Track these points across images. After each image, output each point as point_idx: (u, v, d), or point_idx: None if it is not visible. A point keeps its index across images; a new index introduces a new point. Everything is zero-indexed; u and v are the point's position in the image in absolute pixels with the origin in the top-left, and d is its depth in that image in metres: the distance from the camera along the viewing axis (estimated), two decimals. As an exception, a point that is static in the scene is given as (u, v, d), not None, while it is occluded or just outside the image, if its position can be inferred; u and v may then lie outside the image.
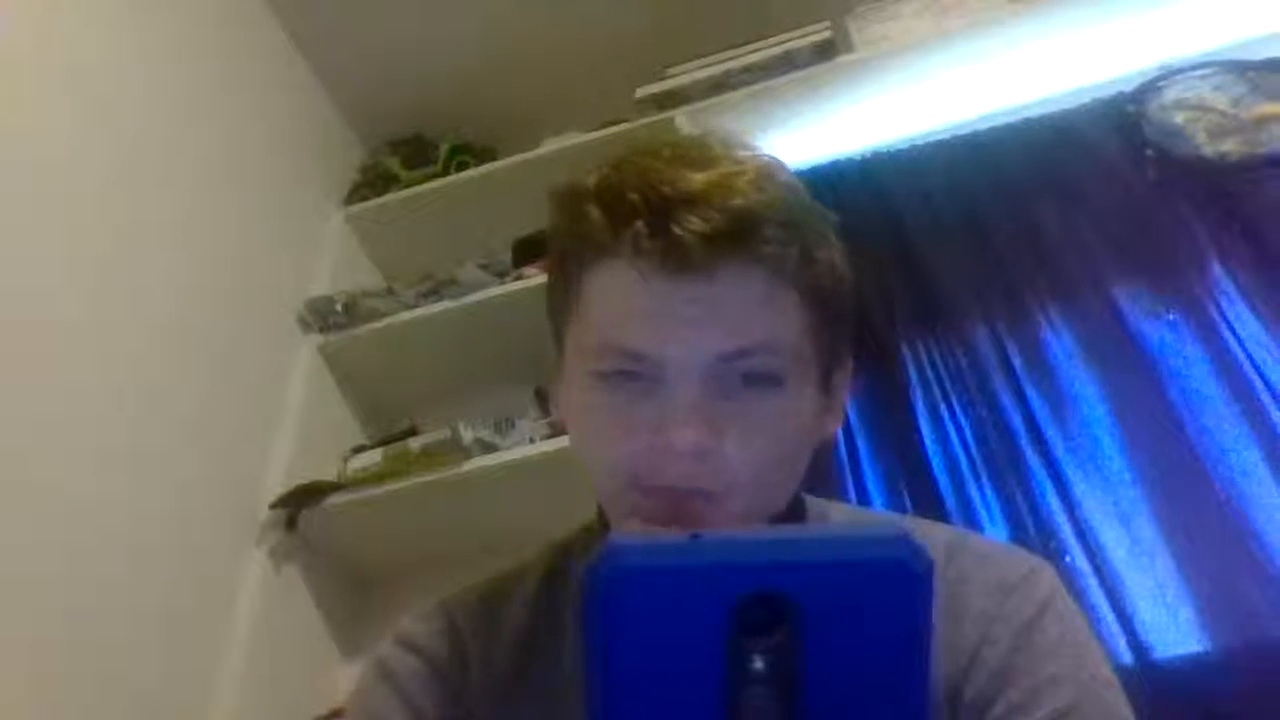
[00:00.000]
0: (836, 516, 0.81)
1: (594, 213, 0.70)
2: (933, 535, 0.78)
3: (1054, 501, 1.65)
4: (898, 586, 0.41)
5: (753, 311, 0.68)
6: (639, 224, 0.68)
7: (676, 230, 0.66)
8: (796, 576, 0.41)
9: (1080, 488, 1.66)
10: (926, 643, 0.42)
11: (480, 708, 0.76)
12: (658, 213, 0.67)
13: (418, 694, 0.76)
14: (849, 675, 0.41)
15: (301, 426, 1.91)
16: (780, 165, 0.74)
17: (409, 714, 0.76)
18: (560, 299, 0.74)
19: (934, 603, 0.42)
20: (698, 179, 0.68)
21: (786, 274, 0.69)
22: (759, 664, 0.40)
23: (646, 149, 0.73)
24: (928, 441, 1.76)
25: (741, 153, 0.72)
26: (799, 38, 2.10)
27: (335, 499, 1.81)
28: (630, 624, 0.41)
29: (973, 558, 0.75)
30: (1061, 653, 0.71)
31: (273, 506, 1.77)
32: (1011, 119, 2.00)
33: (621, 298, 0.69)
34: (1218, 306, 1.74)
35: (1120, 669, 0.91)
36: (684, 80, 2.14)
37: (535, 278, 1.93)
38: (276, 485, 1.80)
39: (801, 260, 0.70)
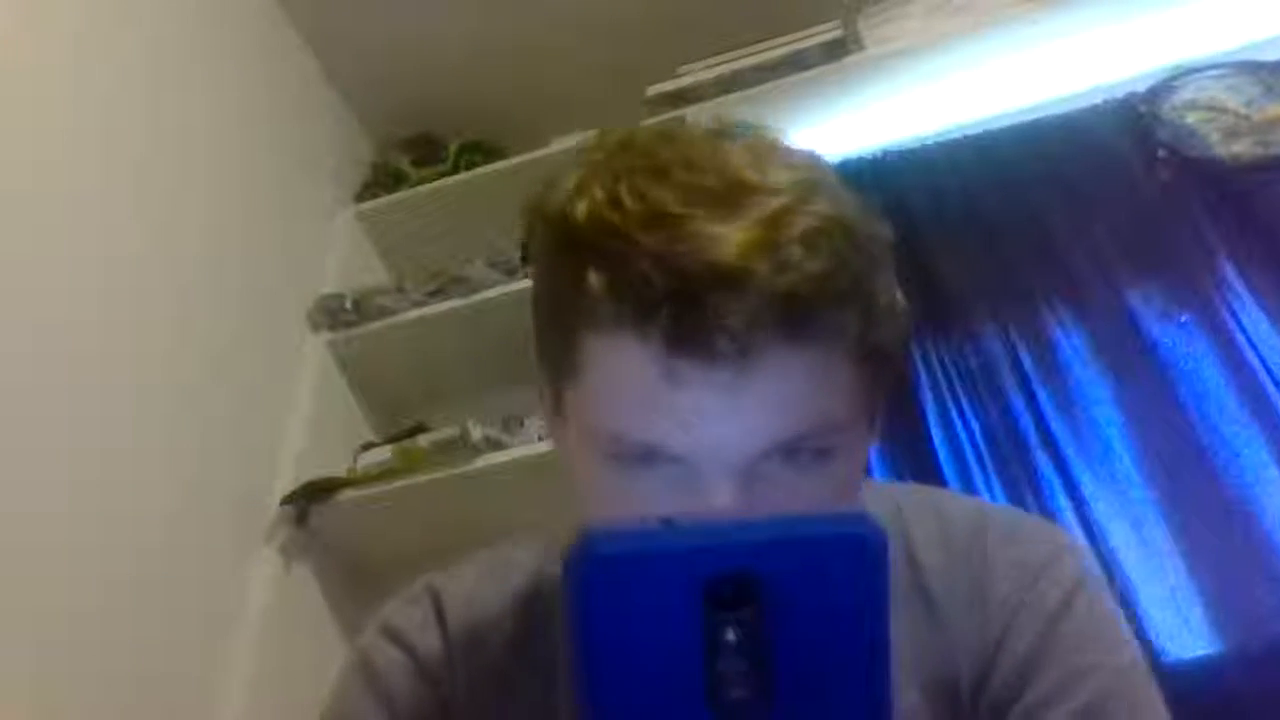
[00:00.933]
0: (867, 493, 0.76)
1: (594, 281, 0.55)
2: (957, 511, 0.74)
3: (1064, 502, 1.65)
4: (854, 558, 0.44)
5: (804, 396, 0.56)
6: (657, 311, 0.54)
7: (710, 320, 0.53)
8: (760, 554, 0.44)
9: (1090, 489, 1.66)
10: (884, 608, 0.45)
11: (466, 709, 0.72)
12: (683, 296, 0.53)
13: (399, 695, 0.72)
14: (816, 641, 0.44)
15: (311, 423, 1.91)
16: (821, 173, 0.60)
17: (389, 716, 0.72)
18: (552, 346, 0.61)
19: (889, 574, 0.45)
20: (730, 240, 0.53)
21: (844, 346, 0.57)
22: (731, 636, 0.43)
23: (646, 160, 0.57)
24: (937, 441, 1.76)
25: (771, 164, 0.57)
26: (810, 37, 2.09)
27: (346, 495, 1.81)
28: (610, 607, 0.44)
29: (998, 536, 0.71)
30: (1090, 642, 0.68)
31: (283, 503, 1.77)
32: (1022, 119, 2.00)
33: (637, 388, 0.56)
34: (1229, 308, 1.73)
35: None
36: (695, 79, 2.14)
37: (545, 276, 1.93)
38: (286, 482, 1.80)
39: (862, 327, 0.57)
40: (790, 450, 0.57)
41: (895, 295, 0.62)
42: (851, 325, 0.57)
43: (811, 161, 0.60)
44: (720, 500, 0.56)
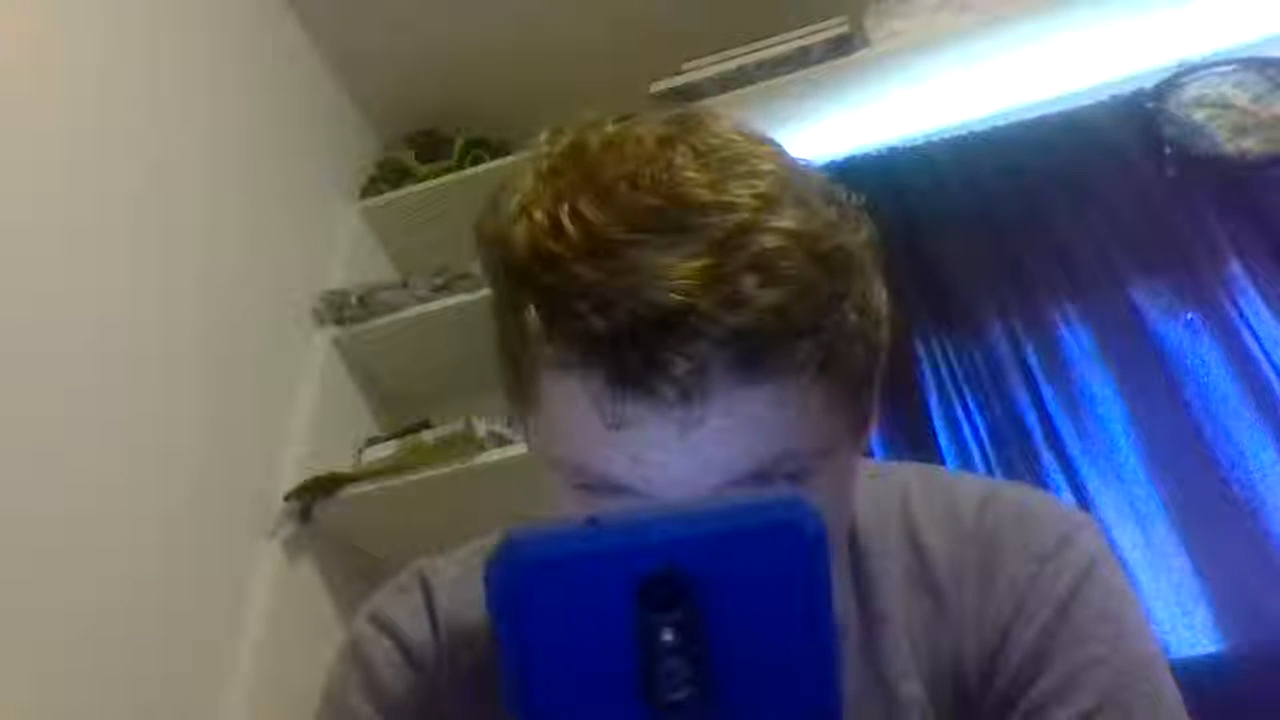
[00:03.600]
0: (873, 473, 0.74)
1: (533, 320, 0.53)
2: (965, 490, 0.71)
3: (1068, 500, 1.64)
4: (791, 549, 0.42)
5: (764, 430, 0.53)
6: (597, 355, 0.51)
7: (653, 365, 0.50)
8: (692, 551, 0.41)
9: (1095, 487, 1.65)
10: (826, 600, 0.43)
11: (453, 696, 0.71)
12: (623, 340, 0.50)
13: (388, 684, 0.71)
14: (757, 636, 0.42)
15: (316, 418, 1.91)
16: (789, 179, 0.55)
17: (380, 708, 0.71)
18: (508, 376, 0.60)
19: (832, 563, 0.43)
20: (674, 273, 0.49)
21: (808, 376, 0.53)
22: (668, 636, 0.41)
23: (591, 175, 0.53)
24: (942, 440, 1.76)
25: (729, 176, 0.52)
26: (816, 33, 2.09)
27: (350, 490, 1.82)
28: (536, 616, 0.42)
29: (1007, 516, 0.68)
30: (1102, 630, 0.64)
31: (288, 498, 1.77)
32: (1029, 116, 1.99)
33: (587, 428, 0.53)
34: (1236, 305, 1.73)
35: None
36: (700, 75, 2.13)
37: (550, 272, 1.93)
38: (290, 477, 1.80)
39: (829, 354, 0.53)
40: (760, 477, 0.54)
41: (874, 304, 0.58)
42: (815, 354, 0.53)
43: (779, 166, 0.55)
44: None
